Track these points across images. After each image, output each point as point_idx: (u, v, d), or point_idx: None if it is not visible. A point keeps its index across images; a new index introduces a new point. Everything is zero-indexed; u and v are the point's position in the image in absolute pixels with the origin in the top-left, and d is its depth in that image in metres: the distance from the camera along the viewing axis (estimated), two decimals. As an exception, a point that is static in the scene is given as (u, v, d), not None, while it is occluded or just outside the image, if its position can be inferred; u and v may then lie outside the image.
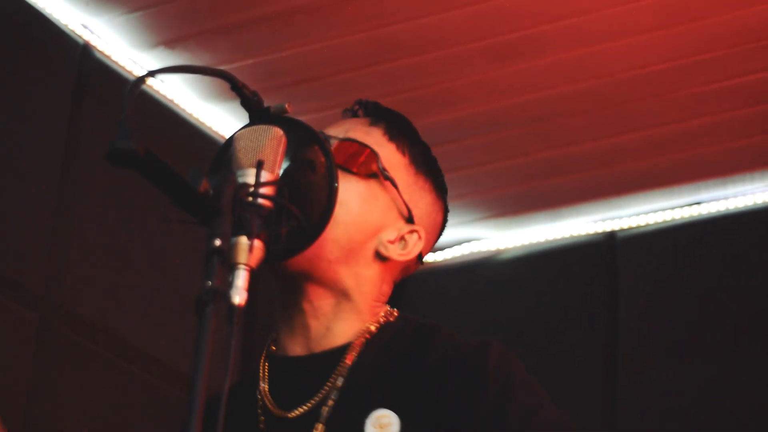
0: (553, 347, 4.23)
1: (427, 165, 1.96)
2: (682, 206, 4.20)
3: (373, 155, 1.88)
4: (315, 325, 1.85)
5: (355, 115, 1.97)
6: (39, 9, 3.44)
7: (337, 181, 1.78)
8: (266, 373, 1.87)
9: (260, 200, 1.58)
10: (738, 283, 4.03)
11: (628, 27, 3.51)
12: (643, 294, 4.16)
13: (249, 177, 1.61)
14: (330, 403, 1.78)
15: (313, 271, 1.83)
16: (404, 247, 1.90)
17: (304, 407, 1.80)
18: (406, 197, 1.90)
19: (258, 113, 1.78)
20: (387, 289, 1.91)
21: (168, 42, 3.61)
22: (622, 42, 3.57)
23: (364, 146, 1.88)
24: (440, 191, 1.98)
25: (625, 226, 4.28)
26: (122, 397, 3.41)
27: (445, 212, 2.00)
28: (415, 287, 4.53)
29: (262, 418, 1.82)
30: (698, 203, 4.18)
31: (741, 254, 4.07)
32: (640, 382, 4.04)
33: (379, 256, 1.88)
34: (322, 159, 1.79)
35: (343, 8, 3.48)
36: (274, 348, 1.90)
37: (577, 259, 4.31)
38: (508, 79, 3.73)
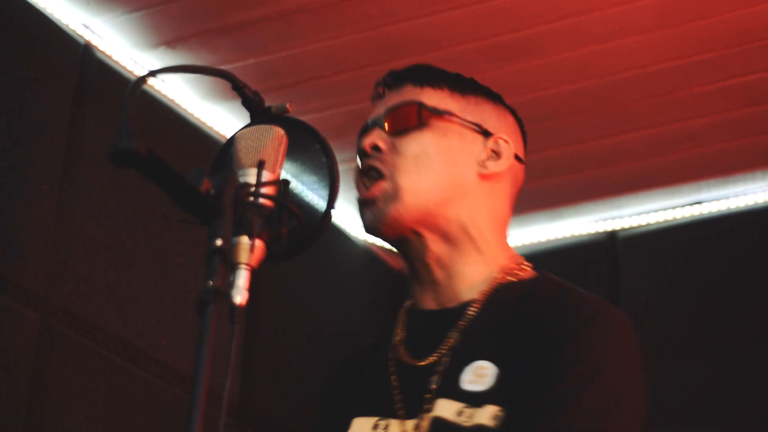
0: (554, 347, 4.23)
1: (468, 84, 2.05)
2: (683, 206, 4.21)
3: (415, 105, 1.97)
4: (441, 275, 1.93)
5: (381, 96, 2.06)
6: (40, 9, 3.44)
7: (338, 181, 1.79)
8: (402, 326, 1.97)
9: (261, 200, 1.59)
10: (739, 282, 4.03)
11: (629, 27, 3.51)
12: (643, 293, 4.16)
13: (250, 177, 1.61)
14: (448, 355, 1.86)
15: (426, 221, 1.93)
16: (499, 157, 2.01)
17: (431, 358, 1.88)
18: (468, 118, 1.99)
19: (259, 113, 1.78)
20: (502, 212, 2.00)
21: (169, 42, 3.61)
22: (623, 42, 3.57)
23: (402, 105, 1.98)
24: (494, 98, 2.07)
25: (626, 226, 4.28)
26: (123, 397, 3.41)
27: (512, 112, 2.11)
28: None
29: (392, 364, 1.91)
30: (699, 203, 4.19)
31: (742, 254, 4.07)
32: (641, 381, 4.04)
33: (484, 178, 1.98)
34: (323, 158, 1.79)
35: (344, 8, 3.49)
36: (408, 303, 2.00)
37: (578, 258, 4.31)
38: (508, 79, 3.73)
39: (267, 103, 1.79)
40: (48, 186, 3.34)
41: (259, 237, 1.54)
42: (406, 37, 3.58)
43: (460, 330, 1.88)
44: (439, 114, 1.98)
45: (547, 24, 3.52)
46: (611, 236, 4.29)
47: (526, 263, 1.99)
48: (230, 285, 1.49)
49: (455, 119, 1.98)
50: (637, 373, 1.85)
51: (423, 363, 1.88)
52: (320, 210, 1.78)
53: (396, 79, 2.05)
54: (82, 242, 3.39)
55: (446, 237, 1.94)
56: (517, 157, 2.07)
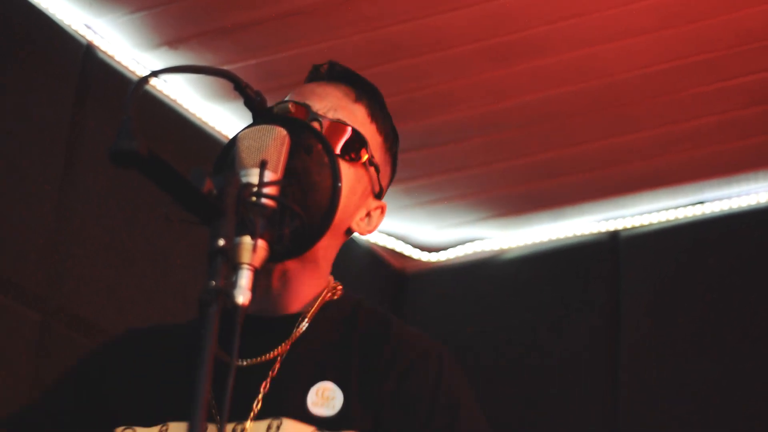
0: (556, 346, 4.23)
1: (393, 140, 2.00)
2: (685, 206, 4.20)
3: (364, 143, 1.91)
4: (277, 285, 1.87)
5: (321, 77, 2.01)
6: (42, 9, 3.44)
7: (340, 181, 1.79)
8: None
9: (264, 200, 1.59)
10: (741, 282, 4.03)
11: (629, 28, 3.50)
12: (645, 293, 4.16)
13: (252, 177, 1.61)
14: (277, 364, 1.82)
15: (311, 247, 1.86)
16: (369, 223, 1.95)
17: (253, 360, 1.82)
18: (380, 177, 1.95)
19: (261, 113, 1.78)
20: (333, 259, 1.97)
21: (171, 42, 3.61)
22: (623, 43, 3.57)
23: (356, 134, 1.90)
24: (395, 164, 2.02)
25: (628, 226, 4.28)
26: (125, 398, 3.41)
27: (391, 181, 2.04)
28: (417, 287, 4.53)
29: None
30: (701, 203, 4.18)
31: (744, 254, 4.07)
32: (642, 381, 4.04)
33: (348, 231, 1.93)
34: (326, 159, 1.79)
35: (344, 9, 3.49)
36: None
37: (579, 258, 4.31)
38: (509, 79, 3.73)
39: (269, 104, 1.79)
40: (49, 186, 3.34)
41: (262, 237, 1.54)
42: (406, 37, 3.58)
43: (292, 341, 1.83)
44: (371, 164, 1.91)
45: (547, 25, 3.52)
46: (613, 236, 4.29)
47: (338, 282, 1.96)
48: (232, 285, 1.49)
49: (374, 177, 1.92)
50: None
51: (245, 363, 1.82)
52: (322, 210, 1.78)
53: (356, 88, 1.97)
54: (82, 242, 3.39)
55: (301, 258, 1.86)
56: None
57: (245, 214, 1.54)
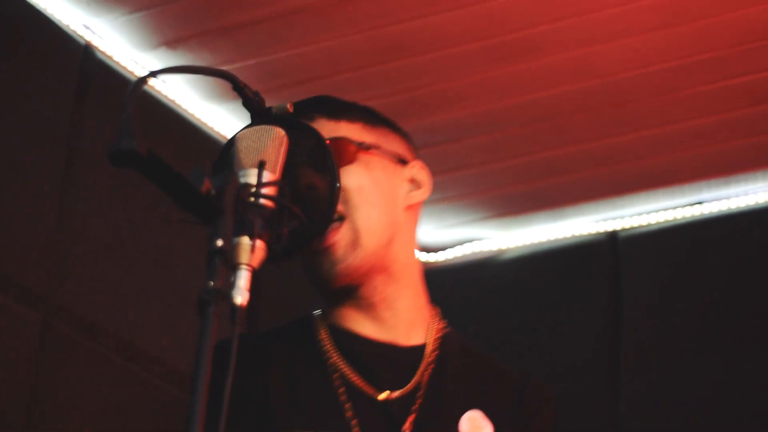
0: (556, 347, 4.23)
1: (372, 115, 2.00)
2: (684, 206, 4.20)
3: (344, 140, 1.91)
4: (387, 315, 1.90)
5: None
6: (40, 10, 3.44)
7: (339, 181, 1.79)
8: (332, 345, 1.91)
9: (262, 200, 1.59)
10: (740, 282, 4.03)
11: (630, 27, 3.50)
12: (645, 293, 4.15)
13: (251, 177, 1.61)
14: (421, 393, 1.85)
15: (376, 269, 1.89)
16: (419, 185, 1.97)
17: (397, 393, 1.85)
18: (388, 149, 1.95)
19: (260, 113, 1.78)
20: (414, 240, 1.98)
21: (170, 42, 3.61)
22: (624, 42, 3.57)
23: (331, 140, 1.89)
24: (395, 127, 2.02)
25: (627, 226, 4.28)
26: (124, 397, 3.41)
27: (409, 138, 2.03)
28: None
29: (342, 389, 1.86)
30: (700, 203, 4.18)
31: (743, 254, 4.07)
32: (643, 381, 4.04)
33: (408, 209, 1.95)
34: (324, 159, 1.79)
35: (344, 8, 3.48)
36: (331, 321, 1.94)
37: (579, 258, 4.31)
38: (509, 79, 3.73)
39: (267, 104, 1.79)
40: (49, 186, 3.34)
41: (260, 237, 1.54)
42: (406, 37, 3.58)
43: (428, 371, 1.87)
44: (366, 148, 1.92)
45: (547, 24, 3.51)
46: (612, 236, 4.29)
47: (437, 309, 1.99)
48: (231, 285, 1.49)
49: (378, 152, 1.93)
50: None
51: (387, 397, 1.85)
52: (321, 210, 1.78)
53: (306, 114, 1.95)
54: (83, 242, 3.39)
55: (391, 277, 1.90)
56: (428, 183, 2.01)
57: (244, 214, 1.54)
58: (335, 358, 1.89)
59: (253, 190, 1.59)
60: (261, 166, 1.62)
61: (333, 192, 1.78)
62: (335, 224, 1.85)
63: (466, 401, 1.85)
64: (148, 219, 3.55)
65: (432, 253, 4.55)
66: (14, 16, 3.36)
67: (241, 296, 1.49)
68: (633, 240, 4.25)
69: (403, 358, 1.88)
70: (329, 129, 1.92)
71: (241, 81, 1.72)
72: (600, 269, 4.27)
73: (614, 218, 4.30)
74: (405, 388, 1.85)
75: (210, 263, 1.46)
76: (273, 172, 1.65)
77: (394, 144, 1.97)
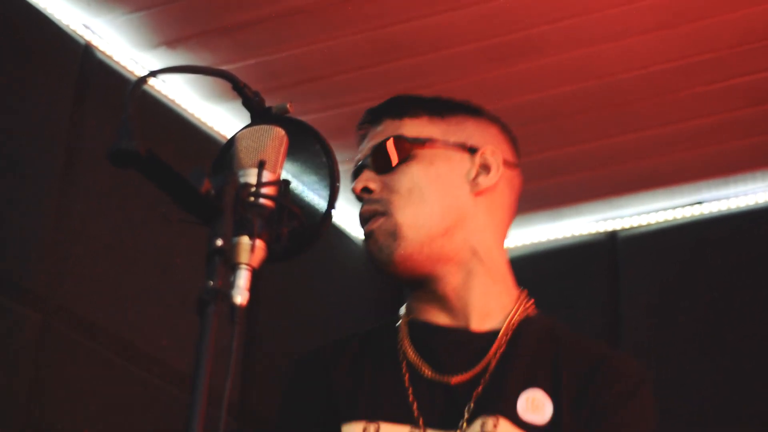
0: (555, 347, 4.23)
1: (446, 105, 2.05)
2: (683, 206, 4.20)
3: (396, 139, 1.98)
4: (459, 305, 1.93)
5: (365, 136, 2.08)
6: (40, 9, 3.44)
7: (338, 181, 1.79)
8: (407, 337, 1.95)
9: (262, 200, 1.59)
10: (740, 282, 4.03)
11: (629, 27, 3.50)
12: (644, 293, 4.16)
13: (251, 177, 1.61)
14: (486, 378, 1.86)
15: (435, 254, 1.92)
16: (489, 170, 2.00)
17: (462, 376, 1.88)
18: (452, 140, 1.98)
19: (260, 113, 1.78)
20: (503, 226, 2.01)
21: (169, 42, 3.61)
22: (623, 42, 3.57)
23: (383, 142, 1.98)
24: (473, 112, 2.06)
25: (627, 226, 4.28)
26: (123, 397, 3.41)
27: (495, 120, 2.08)
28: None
29: (408, 376, 1.90)
30: (700, 203, 4.18)
31: (743, 254, 4.07)
32: (642, 381, 4.04)
33: (479, 195, 1.98)
34: (324, 159, 1.79)
35: (344, 9, 3.48)
36: (413, 316, 1.98)
37: (578, 258, 4.31)
38: (509, 79, 3.73)
39: (267, 104, 1.79)
40: (48, 185, 3.34)
41: (260, 237, 1.54)
42: (406, 37, 3.58)
43: (496, 356, 1.89)
44: (421, 143, 1.97)
45: (547, 24, 3.52)
46: (612, 236, 4.29)
47: (526, 293, 2.01)
48: (231, 285, 1.49)
49: (438, 144, 1.98)
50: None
51: (454, 380, 1.88)
52: (320, 210, 1.78)
53: (375, 116, 2.06)
54: (82, 242, 3.39)
55: (460, 266, 1.95)
56: (508, 164, 2.07)
57: (243, 214, 1.54)
58: (405, 345, 1.93)
59: (253, 189, 1.59)
60: (261, 165, 1.62)
61: (332, 191, 1.78)
62: (378, 217, 1.95)
63: (530, 382, 1.85)
64: (147, 219, 3.55)
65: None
66: (14, 16, 3.36)
67: (240, 296, 1.49)
68: (632, 240, 4.25)
69: (473, 344, 1.90)
70: (393, 129, 2.01)
71: (240, 81, 1.73)
72: (599, 269, 4.27)
73: (614, 218, 4.30)
74: (470, 372, 1.88)
75: (210, 263, 1.46)
76: (273, 171, 1.65)
77: (465, 131, 2.01)
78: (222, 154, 1.78)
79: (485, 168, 2.00)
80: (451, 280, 1.95)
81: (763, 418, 3.83)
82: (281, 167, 1.68)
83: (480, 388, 1.86)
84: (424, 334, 1.95)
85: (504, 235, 2.04)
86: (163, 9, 3.50)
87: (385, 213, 1.96)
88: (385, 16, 3.51)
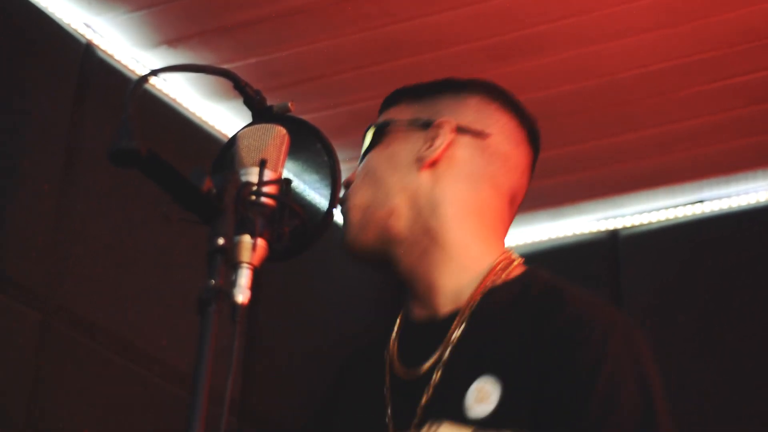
0: (555, 346, 4.23)
1: (426, 87, 2.01)
2: (684, 205, 4.20)
3: (369, 128, 1.99)
4: (420, 287, 1.90)
5: None
6: (41, 8, 3.43)
7: (339, 180, 1.79)
8: (397, 334, 1.94)
9: (263, 199, 1.59)
10: (741, 282, 4.03)
11: (629, 26, 3.50)
12: (645, 293, 4.15)
13: (252, 176, 1.61)
14: (439, 369, 1.82)
15: (385, 240, 1.91)
16: (434, 143, 1.93)
17: (420, 370, 1.84)
18: (418, 116, 1.96)
19: (261, 112, 1.78)
20: (475, 198, 1.92)
21: (170, 41, 3.61)
22: (624, 41, 3.57)
23: (366, 133, 1.99)
24: (454, 87, 2.00)
25: (628, 225, 4.28)
26: (124, 397, 3.41)
27: (480, 89, 2.00)
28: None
29: (388, 375, 1.88)
30: (701, 202, 4.18)
31: (743, 253, 4.07)
32: (642, 381, 4.04)
33: (429, 167, 1.92)
34: (325, 158, 1.79)
35: (345, 8, 3.48)
36: (404, 312, 1.97)
37: (579, 257, 4.31)
38: (509, 78, 3.71)
39: (268, 103, 1.79)
40: (48, 185, 3.34)
41: (261, 236, 1.54)
42: (406, 37, 3.58)
43: (449, 344, 1.82)
44: (383, 126, 1.97)
45: (547, 24, 3.52)
46: (613, 235, 4.29)
47: (515, 257, 1.92)
48: (232, 284, 1.49)
49: (397, 125, 1.95)
50: (652, 369, 1.78)
51: (413, 377, 1.85)
52: (322, 209, 1.77)
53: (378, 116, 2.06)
54: (82, 241, 3.39)
55: (412, 246, 1.89)
56: (469, 131, 1.94)
57: (245, 212, 1.54)
58: (390, 346, 1.92)
59: (254, 188, 1.59)
60: (262, 164, 1.62)
61: (333, 190, 1.78)
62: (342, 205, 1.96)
63: (481, 368, 1.76)
64: (147, 219, 3.54)
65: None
66: (14, 15, 3.36)
67: (242, 295, 1.48)
68: (633, 239, 4.25)
69: (433, 334, 1.85)
70: (382, 119, 2.02)
71: (242, 80, 1.73)
72: (600, 268, 4.27)
73: (615, 217, 4.30)
74: (428, 364, 1.83)
75: (211, 262, 1.46)
76: (274, 170, 1.65)
77: (434, 108, 1.98)
78: (223, 153, 1.78)
79: (433, 140, 1.93)
80: (406, 262, 1.89)
81: (763, 418, 3.83)
82: (282, 166, 1.68)
83: (432, 383, 1.81)
84: (405, 330, 1.93)
85: (475, 212, 1.91)
86: (164, 8, 3.50)
87: (345, 200, 1.97)
88: (386, 15, 3.51)
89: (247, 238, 1.52)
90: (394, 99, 2.04)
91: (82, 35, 3.53)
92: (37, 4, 3.42)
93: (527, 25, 3.52)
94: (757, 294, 3.99)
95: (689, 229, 4.17)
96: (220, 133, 3.88)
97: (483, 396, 1.74)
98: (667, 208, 4.23)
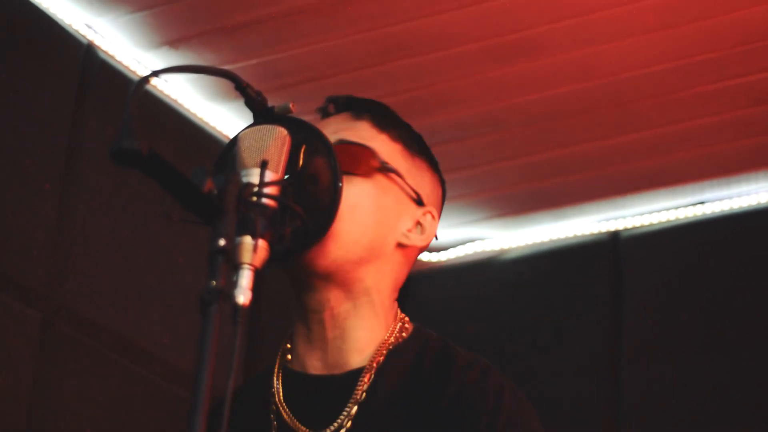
0: (557, 347, 4.23)
1: (418, 144, 1.96)
2: (685, 206, 4.20)
3: (370, 151, 1.88)
4: (332, 335, 1.84)
5: (328, 114, 1.97)
6: (43, 9, 3.44)
7: (341, 181, 1.78)
8: (281, 386, 1.87)
9: (264, 200, 1.58)
10: (742, 282, 4.03)
11: (631, 27, 3.50)
12: (646, 293, 4.15)
13: (253, 177, 1.61)
14: (347, 427, 1.78)
15: (339, 275, 1.83)
16: (422, 231, 1.91)
17: (325, 428, 1.79)
18: (410, 182, 1.91)
19: (262, 113, 1.78)
20: (401, 279, 1.91)
21: (172, 42, 3.61)
22: (625, 42, 3.56)
23: (359, 146, 1.88)
24: (435, 166, 1.98)
25: (629, 226, 4.28)
26: (125, 396, 3.41)
27: (443, 185, 2.00)
28: (418, 287, 4.53)
29: (276, 428, 1.82)
30: (702, 203, 4.18)
31: (745, 254, 4.07)
32: (644, 381, 4.04)
33: (400, 246, 1.89)
34: (326, 158, 1.79)
35: (345, 9, 3.48)
36: (289, 358, 1.91)
37: (580, 258, 4.31)
38: (510, 79, 3.73)
39: (269, 103, 1.79)
40: (50, 185, 3.34)
41: (262, 237, 1.54)
42: (407, 37, 3.58)
43: (358, 402, 1.79)
44: (388, 171, 1.88)
45: (548, 24, 3.51)
46: (614, 236, 4.29)
47: (405, 317, 1.90)
48: (233, 285, 1.49)
49: (399, 180, 1.89)
50: (539, 425, 1.81)
51: None
52: (323, 210, 1.77)
53: (352, 108, 1.96)
54: (83, 241, 3.39)
55: (349, 296, 1.84)
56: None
57: (246, 213, 1.54)
58: (275, 399, 1.85)
59: (256, 189, 1.59)
60: (263, 165, 1.62)
61: (335, 190, 1.78)
62: None
63: (394, 426, 1.76)
64: (148, 219, 3.55)
65: (433, 253, 4.55)
66: (16, 15, 3.36)
67: (243, 296, 1.48)
68: (635, 240, 4.25)
69: (337, 390, 1.81)
70: (368, 136, 1.90)
71: (243, 80, 1.72)
72: (602, 269, 4.27)
73: (616, 218, 4.30)
74: (332, 426, 1.79)
75: (212, 263, 1.46)
76: (275, 171, 1.64)
77: (422, 182, 1.93)
78: (224, 154, 1.78)
79: (421, 227, 1.90)
80: (336, 307, 1.83)
81: (764, 418, 3.83)
82: (284, 167, 1.68)
83: None
84: (292, 381, 1.85)
85: (397, 288, 1.91)
86: (165, 9, 3.50)
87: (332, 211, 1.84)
88: (387, 15, 3.51)
89: (248, 239, 1.52)
90: (390, 130, 1.93)
91: (83, 36, 3.54)
92: (38, 5, 3.42)
93: (528, 25, 3.52)
94: (757, 294, 3.99)
95: (690, 231, 4.17)
96: (221, 134, 3.88)
97: None
98: (668, 209, 4.23)
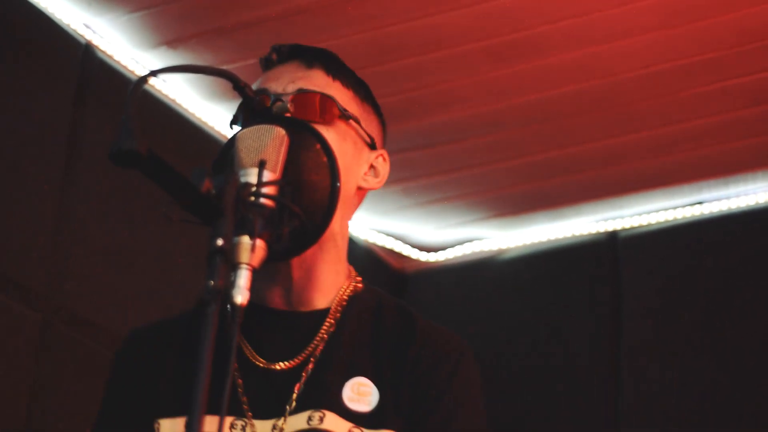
0: (556, 347, 4.23)
1: (364, 90, 1.98)
2: (684, 206, 4.20)
3: (331, 100, 1.89)
4: (298, 275, 1.84)
5: (272, 62, 1.95)
6: (41, 9, 3.44)
7: (339, 181, 1.79)
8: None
9: (262, 200, 1.59)
10: (740, 282, 4.03)
11: (630, 28, 3.51)
12: (644, 294, 4.16)
13: (251, 177, 1.62)
14: (311, 363, 1.80)
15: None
16: (376, 174, 1.94)
17: (287, 363, 1.81)
18: (365, 128, 1.93)
19: (260, 113, 1.78)
20: (351, 214, 1.94)
21: (170, 42, 3.61)
22: (624, 42, 3.57)
23: (320, 94, 1.88)
24: (379, 111, 2.00)
25: (627, 226, 4.28)
26: (124, 397, 3.41)
27: (384, 128, 2.02)
28: (417, 287, 4.53)
29: (237, 364, 1.81)
30: (700, 203, 4.18)
31: (743, 254, 4.07)
32: (643, 381, 4.04)
33: (359, 190, 1.92)
34: (324, 158, 1.79)
35: (344, 9, 3.49)
36: None
37: (579, 258, 4.31)
38: (509, 79, 3.73)
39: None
40: (49, 186, 3.34)
41: (261, 237, 1.54)
42: (406, 37, 3.58)
43: (323, 339, 1.82)
44: (347, 118, 1.90)
45: (548, 25, 3.52)
46: (612, 236, 4.29)
47: (352, 267, 1.94)
48: (231, 285, 1.49)
49: (357, 125, 1.91)
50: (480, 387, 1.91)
51: (279, 367, 1.80)
52: (321, 210, 1.78)
53: (304, 56, 1.95)
54: (83, 242, 3.39)
55: (322, 238, 1.83)
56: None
57: (244, 213, 1.54)
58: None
59: (254, 189, 1.59)
60: (261, 165, 1.62)
61: (333, 190, 1.78)
62: None
63: (357, 367, 1.80)
64: (148, 219, 3.55)
65: (432, 253, 4.55)
66: (14, 15, 3.36)
67: (241, 295, 1.49)
68: (633, 240, 4.25)
69: (302, 326, 1.83)
70: (323, 84, 1.91)
71: (241, 80, 1.73)
72: (600, 269, 4.28)
73: (614, 218, 4.31)
74: (296, 359, 1.81)
75: (210, 262, 1.46)
76: (273, 171, 1.65)
77: (372, 125, 1.96)
78: (223, 154, 1.78)
79: (374, 170, 1.94)
80: (307, 253, 1.82)
81: (764, 418, 3.83)
82: (282, 167, 1.68)
83: (304, 376, 1.79)
84: (256, 317, 1.80)
85: (355, 210, 1.97)
86: (163, 9, 3.50)
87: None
88: (386, 16, 3.51)
89: (246, 239, 1.52)
90: (342, 77, 1.96)
91: (82, 36, 3.54)
92: (37, 5, 3.42)
93: (528, 26, 3.52)
94: (756, 294, 3.99)
95: (689, 231, 4.17)
96: (220, 133, 3.88)
97: (361, 393, 1.78)
98: (666, 209, 4.23)
